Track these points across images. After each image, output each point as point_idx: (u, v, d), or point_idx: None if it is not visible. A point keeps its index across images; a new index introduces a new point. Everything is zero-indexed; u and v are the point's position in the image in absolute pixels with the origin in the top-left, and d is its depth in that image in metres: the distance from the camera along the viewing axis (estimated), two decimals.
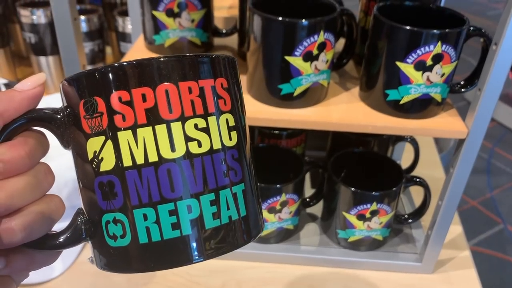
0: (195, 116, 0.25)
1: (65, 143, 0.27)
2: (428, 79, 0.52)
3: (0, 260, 0.25)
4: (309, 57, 0.52)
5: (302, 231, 0.71)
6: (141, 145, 0.24)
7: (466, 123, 0.54)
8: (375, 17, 0.54)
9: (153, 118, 0.24)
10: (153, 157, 0.24)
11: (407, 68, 0.51)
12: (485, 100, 0.51)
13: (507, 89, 2.19)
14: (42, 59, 0.96)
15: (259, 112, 0.55)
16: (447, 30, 0.50)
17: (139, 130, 0.24)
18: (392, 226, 0.68)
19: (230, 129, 0.26)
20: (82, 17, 0.91)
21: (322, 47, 0.53)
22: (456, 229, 0.75)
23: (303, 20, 0.50)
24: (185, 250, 0.25)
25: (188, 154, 0.24)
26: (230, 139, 0.26)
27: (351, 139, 0.77)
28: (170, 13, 0.61)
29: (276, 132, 0.76)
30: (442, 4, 0.66)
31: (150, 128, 0.24)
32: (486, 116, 0.52)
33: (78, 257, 0.67)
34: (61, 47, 0.51)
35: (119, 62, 0.24)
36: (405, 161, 0.87)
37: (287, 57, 0.52)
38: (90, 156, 0.25)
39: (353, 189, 0.63)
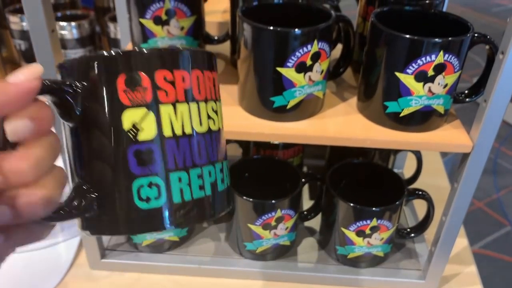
0: (211, 100, 0.31)
1: (70, 116, 0.28)
2: (430, 90, 0.49)
3: None
4: (302, 68, 0.49)
5: (299, 246, 0.68)
6: (179, 118, 0.28)
7: (471, 135, 0.51)
8: (373, 24, 0.50)
9: (189, 97, 0.29)
10: (188, 130, 0.29)
11: (407, 79, 0.48)
12: (491, 111, 0.48)
13: None
14: None
15: (251, 125, 0.52)
16: (450, 39, 0.46)
17: (178, 105, 0.28)
18: (394, 241, 0.65)
19: (221, 114, 0.32)
20: (73, 23, 0.88)
21: (316, 57, 0.49)
22: (461, 242, 0.71)
23: (295, 29, 0.47)
24: (209, 207, 0.30)
25: (209, 130, 0.30)
26: (222, 121, 0.33)
27: (351, 148, 0.74)
28: (158, 21, 0.58)
29: (273, 142, 0.73)
30: (446, 4, 0.63)
31: (186, 104, 0.29)
32: (492, 129, 0.49)
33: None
34: (38, 60, 0.48)
35: (159, 47, 0.32)
36: (408, 169, 0.84)
37: (279, 69, 0.49)
38: (127, 126, 0.27)
39: (352, 204, 0.59)
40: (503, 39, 0.45)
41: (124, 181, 0.28)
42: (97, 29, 0.98)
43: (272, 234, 0.62)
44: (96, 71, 0.27)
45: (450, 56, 0.47)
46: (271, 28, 0.47)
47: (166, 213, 0.28)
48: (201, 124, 0.30)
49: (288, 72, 0.49)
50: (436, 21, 0.53)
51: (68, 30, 0.88)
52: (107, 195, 0.28)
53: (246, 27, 0.49)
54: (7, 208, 0.24)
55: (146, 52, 0.28)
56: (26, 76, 0.24)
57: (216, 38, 0.66)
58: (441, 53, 0.46)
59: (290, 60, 0.49)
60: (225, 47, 0.67)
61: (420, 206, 0.76)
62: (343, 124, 0.53)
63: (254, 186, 0.66)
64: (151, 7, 0.57)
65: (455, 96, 0.53)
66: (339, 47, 0.58)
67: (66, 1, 1.03)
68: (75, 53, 0.89)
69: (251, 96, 0.53)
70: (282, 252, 0.66)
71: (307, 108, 0.53)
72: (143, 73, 0.27)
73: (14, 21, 0.89)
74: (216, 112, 0.31)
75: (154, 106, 0.28)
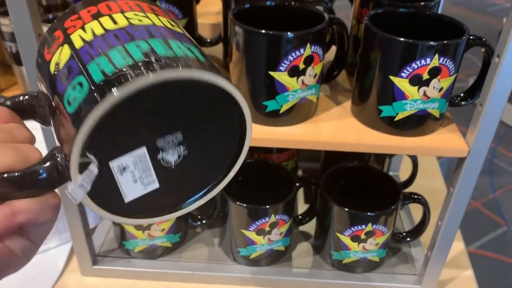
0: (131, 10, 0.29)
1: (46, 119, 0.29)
2: (425, 94, 0.48)
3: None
4: (295, 72, 0.48)
5: (294, 251, 0.67)
6: (89, 31, 0.27)
7: (467, 140, 0.50)
8: (366, 26, 0.49)
9: (97, 15, 0.28)
10: (99, 31, 0.27)
11: (401, 82, 0.47)
12: (487, 115, 0.47)
13: None
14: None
15: None
16: (445, 42, 0.45)
17: (86, 26, 0.28)
18: (389, 245, 0.64)
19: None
20: None
21: (309, 61, 0.48)
22: (457, 246, 0.71)
23: (288, 33, 0.46)
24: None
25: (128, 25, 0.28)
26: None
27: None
28: None
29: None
30: (441, 5, 0.62)
31: (96, 21, 0.28)
32: (489, 133, 0.48)
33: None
34: (25, 64, 0.47)
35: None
36: (403, 172, 0.83)
37: (271, 73, 0.48)
38: (53, 69, 0.27)
39: (346, 209, 0.59)
40: (499, 42, 0.45)
41: (62, 108, 0.26)
42: None
43: (266, 239, 0.61)
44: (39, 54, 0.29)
45: (446, 59, 0.46)
46: (263, 31, 0.46)
47: (96, 94, 0.24)
48: (115, 22, 0.28)
49: (281, 76, 0.48)
50: (431, 23, 0.52)
51: None
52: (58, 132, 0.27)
53: (238, 30, 0.48)
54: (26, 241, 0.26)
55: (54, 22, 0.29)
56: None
57: (208, 40, 0.65)
58: (436, 56, 0.45)
59: (283, 64, 0.48)
60: (218, 50, 0.66)
61: (416, 210, 0.76)
62: (337, 129, 0.52)
63: (247, 190, 0.65)
64: None
65: (451, 99, 0.52)
66: (333, 49, 0.58)
67: (58, 2, 1.01)
68: None
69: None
70: (277, 258, 0.65)
71: (300, 112, 0.52)
72: (57, 31, 0.29)
73: (4, 23, 0.88)
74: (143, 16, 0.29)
75: (66, 40, 0.28)
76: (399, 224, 0.73)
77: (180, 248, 0.67)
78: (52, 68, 0.27)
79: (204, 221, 0.66)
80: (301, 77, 0.49)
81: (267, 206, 0.58)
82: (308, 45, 0.47)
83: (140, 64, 0.24)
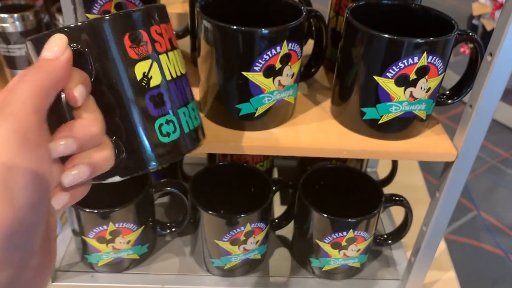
0: (177, 47, 0.36)
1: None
2: (411, 95, 0.44)
3: (65, 194, 0.28)
4: (271, 72, 0.44)
5: (271, 258, 0.63)
6: (172, 64, 0.34)
7: (455, 143, 0.47)
8: (348, 21, 0.45)
9: (171, 45, 0.35)
10: (178, 72, 0.35)
11: (386, 83, 0.43)
12: (478, 118, 0.44)
13: None
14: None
15: (215, 136, 0.46)
16: (434, 39, 0.41)
17: (169, 53, 0.34)
18: (370, 249, 0.61)
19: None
20: (15, 15, 0.79)
21: (286, 59, 0.44)
22: (439, 247, 0.68)
23: (262, 29, 0.41)
24: (201, 133, 0.38)
25: (184, 72, 0.37)
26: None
27: None
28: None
29: None
30: None
31: (172, 52, 0.34)
32: (478, 136, 0.45)
33: None
34: None
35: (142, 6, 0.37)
36: (382, 168, 0.81)
37: (245, 73, 0.43)
38: (140, 76, 0.32)
39: (326, 216, 0.55)
40: (492, 39, 0.41)
41: (147, 124, 0.33)
42: (47, 19, 0.89)
43: (241, 249, 0.57)
44: (104, 34, 0.30)
45: (434, 57, 0.42)
46: (234, 27, 0.41)
47: (182, 142, 0.35)
48: (179, 67, 0.35)
49: (255, 76, 0.44)
50: (416, 16, 0.48)
51: (10, 23, 0.78)
52: (134, 139, 0.32)
53: (206, 24, 0.43)
54: (86, 167, 0.28)
55: (142, 9, 0.32)
56: (60, 48, 0.27)
57: (174, 32, 0.60)
58: (425, 54, 0.42)
59: (257, 64, 0.43)
60: (185, 42, 0.60)
61: (396, 210, 0.73)
62: (316, 133, 0.48)
63: (221, 196, 0.61)
64: (99, 1, 0.50)
65: (437, 98, 0.49)
66: (310, 43, 0.53)
67: None
68: (19, 49, 0.80)
69: (215, 102, 0.47)
70: (253, 267, 0.61)
71: (277, 115, 0.48)
72: (143, 30, 0.32)
73: None
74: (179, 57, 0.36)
75: (155, 56, 0.33)
76: (379, 225, 0.70)
77: (148, 260, 0.62)
78: (138, 73, 0.32)
79: (173, 229, 0.62)
80: (278, 78, 0.45)
81: (242, 215, 0.54)
82: (285, 42, 0.43)
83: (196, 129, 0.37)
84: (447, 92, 0.50)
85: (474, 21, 1.88)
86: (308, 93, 0.55)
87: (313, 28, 0.50)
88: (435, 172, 1.43)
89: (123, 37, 0.31)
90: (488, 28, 1.76)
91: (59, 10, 0.82)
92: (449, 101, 0.50)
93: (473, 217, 1.69)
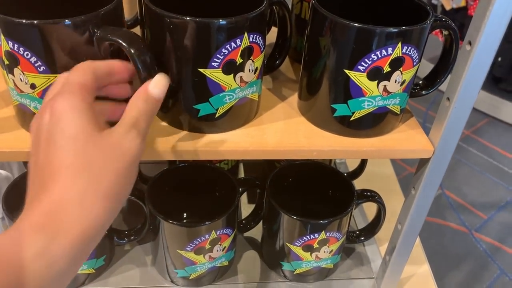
0: None
1: None
2: (385, 89, 0.40)
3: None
4: (231, 68, 0.39)
5: (239, 263, 0.60)
6: None
7: (431, 138, 0.44)
8: (314, 8, 0.41)
9: None
10: None
11: (358, 77, 0.39)
12: (456, 112, 0.40)
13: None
14: None
15: (172, 140, 0.41)
16: (409, 28, 0.38)
17: None
18: (343, 248, 0.58)
19: None
20: None
21: (247, 53, 0.39)
22: None
23: (219, 20, 0.36)
24: None
25: None
26: None
27: None
28: None
29: None
30: None
31: None
32: (456, 131, 0.42)
33: None
34: None
35: None
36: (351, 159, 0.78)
37: (201, 70, 0.38)
38: None
39: (296, 218, 0.51)
40: (470, 26, 0.38)
41: None
42: None
43: (207, 257, 0.53)
44: None
45: (409, 48, 0.38)
46: (187, 18, 0.36)
47: None
48: None
49: (214, 73, 0.39)
50: (388, 2, 0.44)
51: None
52: None
53: (153, 14, 0.38)
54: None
55: None
56: (160, 91, 0.35)
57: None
58: (399, 45, 0.38)
59: (215, 59, 0.38)
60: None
61: (368, 206, 0.70)
62: (284, 132, 0.43)
63: (182, 200, 0.56)
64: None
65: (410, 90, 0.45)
66: (273, 30, 0.49)
67: None
68: None
69: (169, 103, 0.42)
70: (220, 274, 0.57)
71: (240, 115, 0.43)
72: None
73: None
74: None
75: None
76: (351, 221, 0.67)
77: (106, 273, 0.57)
78: None
79: (132, 238, 0.57)
80: (239, 74, 0.40)
81: (206, 223, 0.50)
82: (246, 34, 0.38)
83: None
84: (421, 82, 0.47)
85: (434, 1, 1.87)
86: (273, 87, 0.50)
87: (276, 15, 0.46)
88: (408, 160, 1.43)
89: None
90: (447, 7, 1.76)
91: None
92: (423, 91, 0.47)
93: (438, 196, 1.70)
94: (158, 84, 0.34)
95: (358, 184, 0.65)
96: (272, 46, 0.48)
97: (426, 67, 0.46)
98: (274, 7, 0.44)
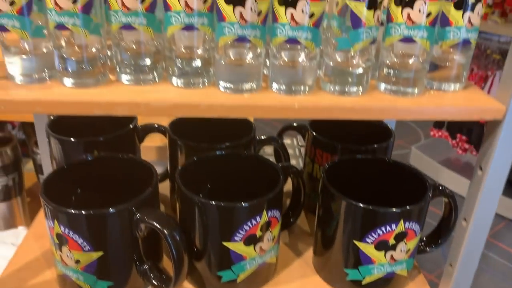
0: None
1: None
2: (392, 257, 0.44)
3: None
4: (252, 240, 0.44)
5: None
6: None
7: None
8: (324, 186, 0.46)
9: None
10: None
11: (367, 248, 0.44)
12: (459, 277, 0.44)
13: None
14: None
15: None
16: (410, 207, 0.42)
17: None
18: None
19: None
20: None
21: (266, 226, 0.44)
22: None
23: (242, 203, 0.42)
24: None
25: None
26: None
27: None
28: None
29: None
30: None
31: None
32: None
33: None
34: None
35: None
36: None
37: (225, 243, 0.43)
38: None
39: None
40: (465, 204, 0.42)
41: None
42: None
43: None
44: None
45: (411, 223, 0.43)
46: (214, 203, 0.42)
47: None
48: None
49: (236, 246, 0.43)
50: (390, 170, 0.50)
51: None
52: None
53: (186, 197, 0.43)
54: None
55: None
56: None
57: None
58: (401, 222, 0.43)
59: (238, 234, 0.43)
60: (164, 187, 0.60)
61: None
62: None
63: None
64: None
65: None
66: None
67: None
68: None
69: (194, 268, 0.46)
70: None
71: (259, 278, 0.47)
72: None
73: None
74: None
75: None
76: None
77: None
78: None
79: None
80: (259, 244, 0.45)
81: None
82: (264, 212, 0.43)
83: None
84: (425, 238, 0.51)
85: None
86: (289, 241, 0.54)
87: (291, 180, 0.51)
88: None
89: None
90: None
91: (36, 144, 0.83)
92: (428, 248, 0.50)
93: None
94: None
95: None
96: (287, 206, 0.52)
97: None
98: (290, 175, 0.50)
